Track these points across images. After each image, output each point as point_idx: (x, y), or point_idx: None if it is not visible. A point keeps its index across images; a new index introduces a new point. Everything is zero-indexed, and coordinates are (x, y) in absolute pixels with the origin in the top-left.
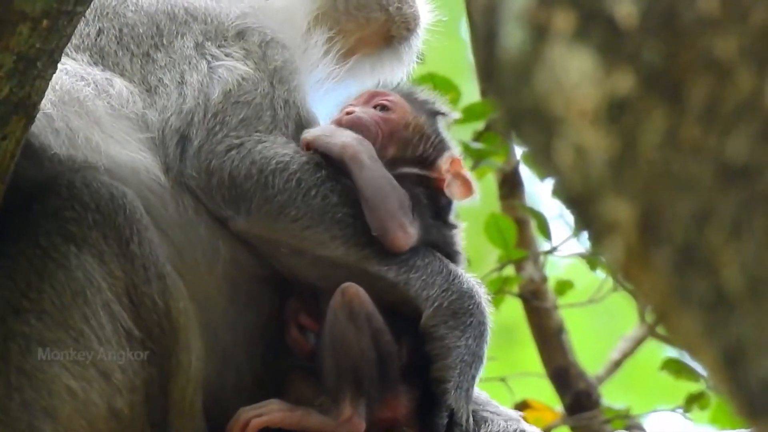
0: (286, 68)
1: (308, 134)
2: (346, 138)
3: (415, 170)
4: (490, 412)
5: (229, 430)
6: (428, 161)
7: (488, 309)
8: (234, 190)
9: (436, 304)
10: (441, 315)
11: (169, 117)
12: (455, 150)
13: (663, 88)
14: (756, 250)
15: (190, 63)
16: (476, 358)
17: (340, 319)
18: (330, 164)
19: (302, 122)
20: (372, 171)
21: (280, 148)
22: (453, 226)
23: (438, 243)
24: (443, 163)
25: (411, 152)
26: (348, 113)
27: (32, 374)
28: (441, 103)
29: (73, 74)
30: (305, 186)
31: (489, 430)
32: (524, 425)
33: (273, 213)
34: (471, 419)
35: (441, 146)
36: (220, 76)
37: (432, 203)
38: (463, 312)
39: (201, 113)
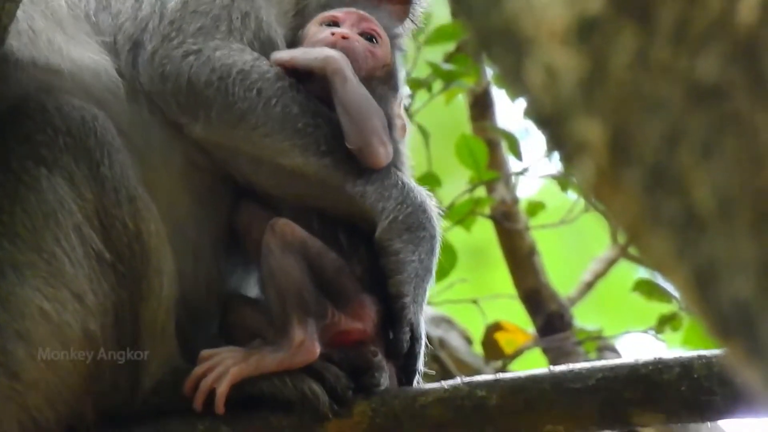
0: None
1: (281, 54)
2: (327, 51)
3: (383, 92)
4: None
5: (189, 395)
6: (388, 101)
7: (438, 222)
8: (192, 96)
9: (391, 217)
10: (396, 229)
11: (123, 22)
12: (402, 91)
13: (633, 8)
14: (726, 171)
15: None
16: (428, 273)
17: (275, 252)
18: (297, 79)
19: (261, 37)
20: (355, 86)
21: (238, 56)
22: (397, 141)
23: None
24: (398, 109)
25: (379, 90)
26: (343, 37)
27: (4, 297)
28: (405, 38)
29: None
30: (266, 95)
31: None
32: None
33: (233, 120)
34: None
35: (396, 86)
36: None
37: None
38: (417, 226)
39: (156, 20)
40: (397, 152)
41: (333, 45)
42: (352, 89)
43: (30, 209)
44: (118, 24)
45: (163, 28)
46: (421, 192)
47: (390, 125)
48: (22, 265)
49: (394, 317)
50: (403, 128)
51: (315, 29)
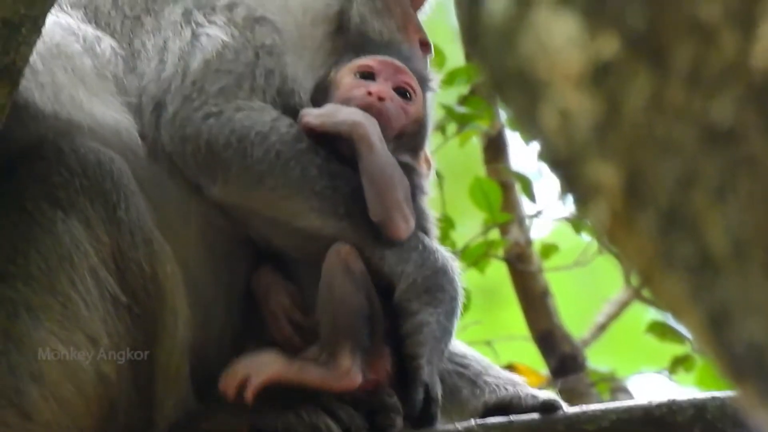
0: (276, 46)
1: (310, 117)
2: (356, 116)
3: (407, 159)
4: (494, 377)
5: (224, 387)
6: (415, 150)
7: (461, 284)
8: (211, 157)
9: (410, 279)
10: (414, 290)
11: (147, 84)
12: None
13: (647, 51)
14: (740, 213)
15: (174, 30)
16: (446, 334)
17: (337, 276)
18: (325, 141)
19: (285, 91)
20: (381, 156)
21: (258, 116)
22: (425, 201)
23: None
24: (424, 154)
25: (409, 143)
26: (380, 98)
27: (19, 339)
28: (436, 81)
29: (65, 28)
30: (284, 157)
31: (497, 396)
32: (530, 389)
33: (251, 182)
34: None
35: (425, 136)
36: (202, 44)
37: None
38: (437, 288)
39: (179, 81)
40: (421, 213)
41: (367, 106)
42: (378, 159)
43: (45, 251)
44: (143, 85)
45: (185, 89)
46: (443, 254)
47: (415, 191)
48: (36, 307)
49: (409, 378)
50: (428, 167)
51: (348, 81)
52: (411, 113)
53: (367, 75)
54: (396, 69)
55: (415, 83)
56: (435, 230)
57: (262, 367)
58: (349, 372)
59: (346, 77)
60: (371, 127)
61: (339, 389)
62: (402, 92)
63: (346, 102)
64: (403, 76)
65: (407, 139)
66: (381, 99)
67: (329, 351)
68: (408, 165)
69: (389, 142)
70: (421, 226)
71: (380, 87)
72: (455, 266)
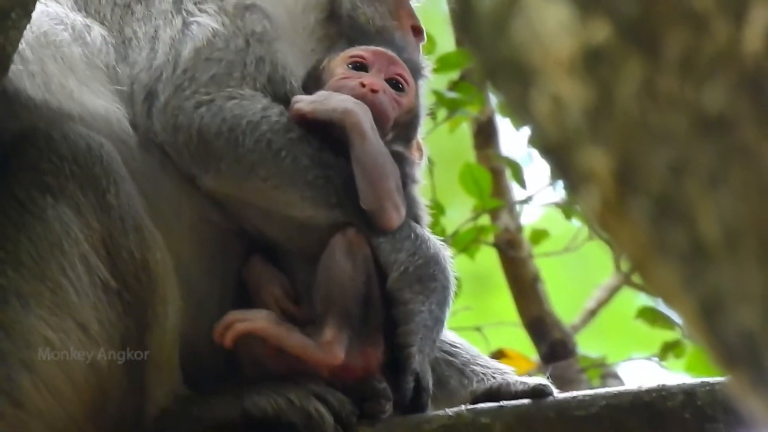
0: (266, 33)
1: (302, 104)
2: (348, 103)
3: (399, 148)
4: (482, 366)
5: (216, 333)
6: (408, 139)
7: (452, 273)
8: (203, 147)
9: (402, 268)
10: (406, 279)
11: (138, 72)
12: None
13: (639, 38)
14: (733, 201)
15: (165, 18)
16: (438, 323)
17: (336, 254)
18: (317, 126)
19: (276, 79)
20: (372, 144)
21: (249, 105)
22: (416, 189)
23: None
24: (416, 142)
25: (401, 133)
26: (373, 90)
27: (9, 326)
28: (429, 69)
29: (53, 17)
30: (276, 147)
31: (485, 386)
32: (518, 377)
33: (243, 172)
34: (431, 381)
35: (417, 125)
36: (192, 33)
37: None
38: (428, 277)
39: (170, 69)
40: (413, 201)
41: (360, 97)
42: (370, 147)
43: (35, 238)
44: (134, 73)
45: (176, 78)
46: (435, 243)
47: (406, 180)
48: (26, 294)
49: (399, 366)
50: (420, 155)
51: (342, 70)
52: (403, 105)
53: (360, 66)
54: (389, 60)
55: (407, 74)
56: (427, 218)
57: (250, 319)
58: (332, 346)
59: (338, 67)
60: (363, 115)
61: (318, 361)
62: (395, 84)
63: (337, 89)
64: (395, 67)
65: (399, 129)
66: (374, 91)
67: (318, 323)
68: (400, 154)
69: (382, 133)
70: (413, 215)
71: (373, 79)
72: (447, 255)
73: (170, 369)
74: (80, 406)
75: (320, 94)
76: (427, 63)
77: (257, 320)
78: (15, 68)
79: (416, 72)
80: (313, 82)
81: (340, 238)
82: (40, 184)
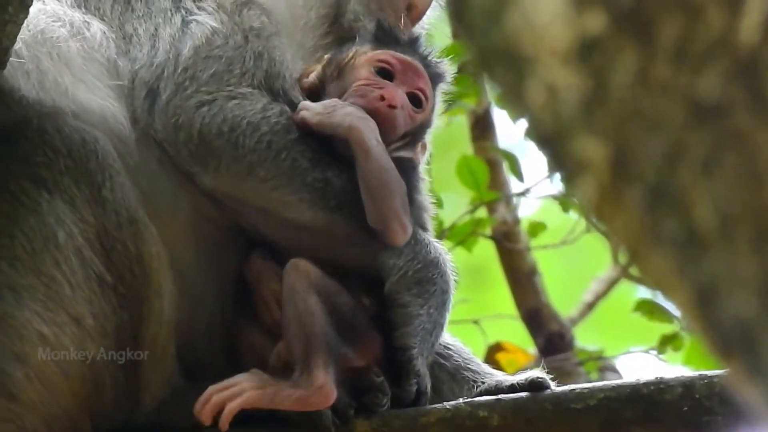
0: (264, 28)
1: (308, 113)
2: (352, 119)
3: (406, 153)
4: (472, 372)
5: (198, 412)
6: (415, 144)
7: (452, 277)
8: (203, 146)
9: (401, 272)
10: (405, 283)
11: (139, 69)
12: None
13: (634, 27)
14: (727, 189)
15: (165, 16)
16: (437, 326)
17: (300, 293)
18: (320, 137)
19: (272, 74)
20: (377, 161)
21: (250, 105)
22: (421, 192)
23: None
24: (422, 144)
25: (410, 140)
26: (391, 106)
27: (2, 319)
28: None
29: (50, 14)
30: (275, 147)
31: (477, 391)
32: (507, 377)
33: (242, 172)
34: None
35: (427, 133)
36: (192, 31)
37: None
38: (428, 281)
39: (171, 68)
40: (418, 208)
41: (374, 109)
42: (374, 165)
43: (29, 232)
44: (135, 69)
45: (178, 77)
46: (436, 247)
47: (412, 188)
48: (20, 287)
49: (400, 370)
50: (424, 152)
51: (366, 73)
52: (418, 120)
53: (385, 73)
54: (415, 72)
55: (429, 90)
56: (431, 223)
57: (238, 394)
58: (323, 388)
59: (363, 68)
60: (367, 131)
61: (314, 407)
62: (415, 98)
63: (356, 96)
64: (419, 81)
65: (409, 138)
66: (391, 107)
67: (303, 368)
68: (406, 161)
69: (388, 144)
70: (417, 219)
71: (393, 93)
72: (449, 260)
73: (165, 362)
74: (74, 399)
75: (326, 105)
76: (448, 70)
77: (242, 392)
78: (10, 66)
79: (438, 83)
80: (335, 70)
81: (294, 275)
82: (34, 177)
